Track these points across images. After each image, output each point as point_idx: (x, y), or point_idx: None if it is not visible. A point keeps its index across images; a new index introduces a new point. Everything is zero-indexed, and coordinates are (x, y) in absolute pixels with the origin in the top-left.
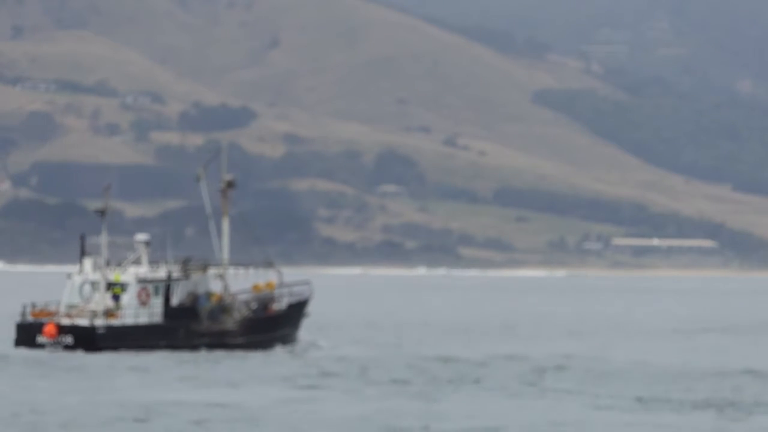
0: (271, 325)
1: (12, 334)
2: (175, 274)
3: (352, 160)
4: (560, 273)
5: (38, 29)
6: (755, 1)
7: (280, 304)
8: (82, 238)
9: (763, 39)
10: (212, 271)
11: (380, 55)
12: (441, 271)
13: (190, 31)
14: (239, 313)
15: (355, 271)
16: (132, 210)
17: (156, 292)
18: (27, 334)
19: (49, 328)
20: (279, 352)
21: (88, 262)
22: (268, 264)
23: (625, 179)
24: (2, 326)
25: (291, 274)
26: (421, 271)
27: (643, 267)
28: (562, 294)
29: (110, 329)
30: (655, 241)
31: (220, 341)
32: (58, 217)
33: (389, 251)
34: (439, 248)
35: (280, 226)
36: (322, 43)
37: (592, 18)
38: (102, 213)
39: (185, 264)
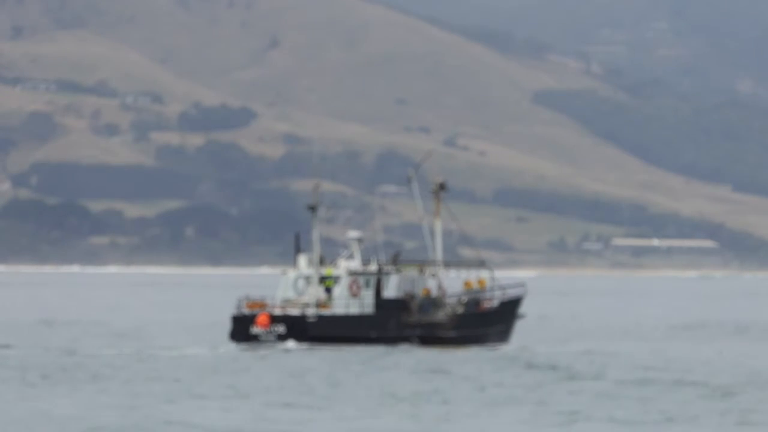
0: (482, 321)
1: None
2: (386, 268)
3: (352, 160)
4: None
5: (38, 29)
6: (755, 1)
7: (492, 302)
8: (297, 236)
9: (763, 39)
10: (427, 270)
11: (380, 55)
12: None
13: (190, 31)
14: (450, 308)
15: None
16: (132, 210)
17: (367, 285)
18: (241, 326)
19: (262, 318)
20: None
21: (302, 259)
22: (481, 263)
23: (625, 179)
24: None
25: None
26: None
27: (643, 267)
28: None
29: (321, 318)
30: (655, 242)
31: (431, 333)
32: (58, 217)
33: (388, 251)
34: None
35: (280, 226)
36: (322, 43)
37: (592, 18)
38: (313, 209)
39: (396, 258)
